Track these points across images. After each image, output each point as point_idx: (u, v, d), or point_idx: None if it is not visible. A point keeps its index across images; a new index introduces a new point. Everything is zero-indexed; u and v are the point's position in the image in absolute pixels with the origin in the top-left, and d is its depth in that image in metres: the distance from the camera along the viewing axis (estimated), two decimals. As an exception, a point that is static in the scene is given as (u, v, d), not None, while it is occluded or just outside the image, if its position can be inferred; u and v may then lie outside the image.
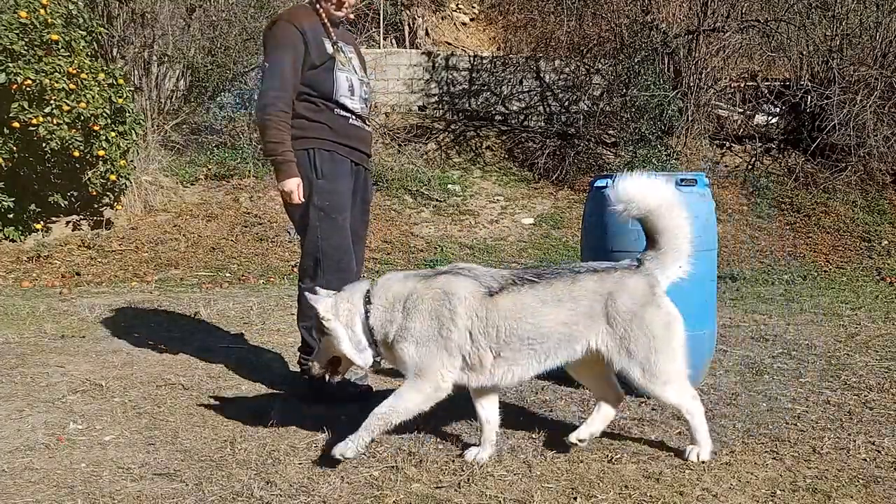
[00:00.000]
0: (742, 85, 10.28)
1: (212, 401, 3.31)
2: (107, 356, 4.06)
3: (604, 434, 2.88)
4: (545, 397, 3.34)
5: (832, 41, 9.33)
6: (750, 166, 9.41)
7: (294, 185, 3.17)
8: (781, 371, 3.79)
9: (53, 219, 7.22)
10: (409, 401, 2.50)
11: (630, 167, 8.66)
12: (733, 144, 9.81)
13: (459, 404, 3.24)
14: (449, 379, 2.50)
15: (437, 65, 10.66)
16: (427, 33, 12.08)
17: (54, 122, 6.38)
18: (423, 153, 9.75)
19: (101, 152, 6.74)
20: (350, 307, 2.59)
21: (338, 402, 3.18)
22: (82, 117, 6.51)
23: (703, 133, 9.59)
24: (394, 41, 11.85)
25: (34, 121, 6.31)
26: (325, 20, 3.28)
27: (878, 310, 5.46)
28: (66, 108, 6.40)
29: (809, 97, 9.37)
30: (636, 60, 9.26)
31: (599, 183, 3.42)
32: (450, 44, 12.02)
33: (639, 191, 2.50)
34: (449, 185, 8.99)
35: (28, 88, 6.27)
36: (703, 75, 9.33)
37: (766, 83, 10.00)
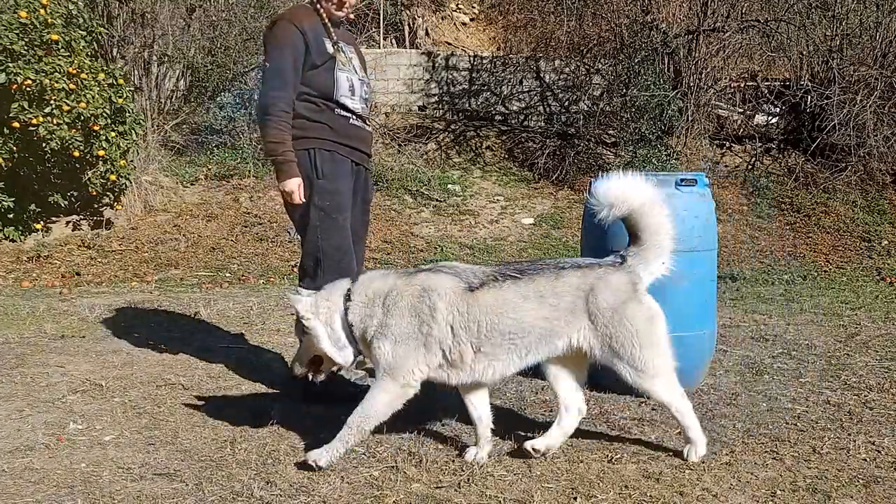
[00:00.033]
0: (742, 85, 10.28)
1: (212, 401, 3.31)
2: (107, 356, 4.06)
3: (604, 434, 2.88)
4: (545, 397, 3.34)
5: (832, 41, 9.33)
6: (750, 166, 9.41)
7: (295, 186, 3.17)
8: (781, 371, 3.79)
9: (53, 219, 7.22)
10: (378, 402, 2.50)
11: (630, 167, 8.67)
12: (733, 144, 9.81)
13: (459, 404, 3.24)
14: (419, 377, 2.50)
15: (437, 65, 10.66)
16: (427, 33, 12.08)
17: (54, 122, 6.38)
18: (423, 153, 9.74)
19: (101, 152, 6.73)
20: (329, 305, 2.60)
21: (338, 403, 3.17)
22: (82, 117, 6.50)
23: (703, 133, 9.59)
24: (394, 41, 11.85)
25: (34, 121, 6.31)
26: (326, 20, 3.28)
27: (878, 310, 5.46)
28: (66, 108, 6.40)
29: (809, 97, 9.37)
30: (636, 60, 9.25)
31: (599, 183, 3.42)
32: (450, 44, 12.02)
33: (621, 191, 2.51)
34: (449, 185, 8.99)
35: (28, 88, 6.26)
36: (703, 75, 9.33)
37: (766, 83, 10.00)
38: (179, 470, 2.53)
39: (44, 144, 6.43)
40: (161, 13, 8.52)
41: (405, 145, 9.75)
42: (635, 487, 2.37)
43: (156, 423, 3.02)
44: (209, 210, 7.89)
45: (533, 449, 2.57)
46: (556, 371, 2.66)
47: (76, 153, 6.59)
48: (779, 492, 2.34)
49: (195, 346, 4.29)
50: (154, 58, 8.65)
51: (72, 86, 6.41)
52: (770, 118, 10.12)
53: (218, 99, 8.98)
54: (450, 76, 10.68)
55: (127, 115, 7.01)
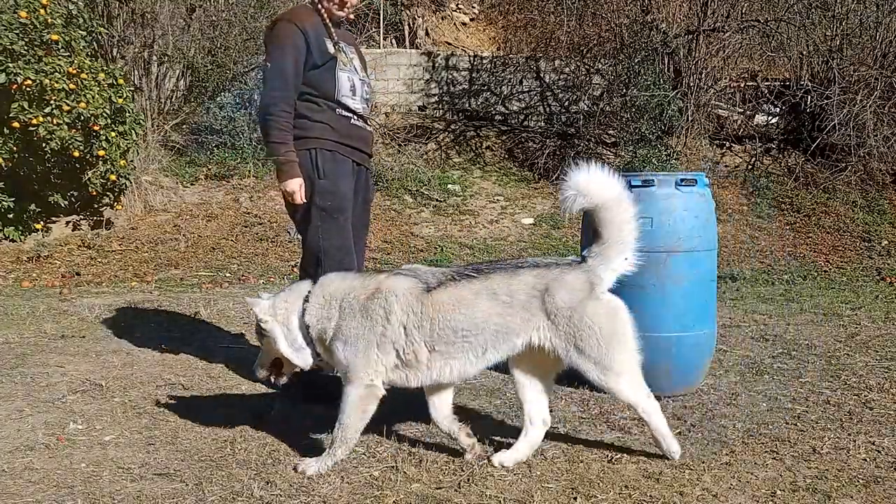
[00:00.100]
0: (742, 85, 10.28)
1: (212, 401, 3.31)
2: (107, 356, 4.06)
3: (604, 434, 2.88)
4: (545, 397, 3.33)
5: (832, 41, 9.33)
6: (750, 166, 9.41)
7: (296, 186, 3.18)
8: (781, 371, 3.79)
9: (53, 219, 7.22)
10: (350, 409, 2.50)
11: (630, 167, 8.68)
12: (733, 144, 9.81)
13: (460, 404, 3.23)
14: (378, 377, 2.50)
15: (437, 65, 10.66)
16: (427, 33, 12.08)
17: (54, 122, 6.38)
18: (423, 153, 9.75)
19: (101, 152, 6.73)
20: (287, 306, 2.61)
21: (337, 403, 3.17)
22: (82, 117, 6.51)
23: (703, 133, 9.59)
24: (394, 41, 11.85)
25: (34, 121, 6.31)
26: (327, 20, 3.29)
27: (878, 310, 5.46)
28: (66, 108, 6.40)
29: (809, 97, 9.37)
30: (636, 60, 9.25)
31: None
32: (450, 44, 12.02)
33: (590, 183, 2.50)
34: (449, 185, 8.99)
35: (28, 88, 6.27)
36: (703, 75, 9.33)
37: (766, 83, 10.00)
38: (179, 470, 2.53)
39: (44, 144, 6.43)
40: (161, 13, 8.52)
41: (405, 145, 9.75)
42: (635, 487, 2.37)
43: (156, 423, 3.02)
44: (209, 210, 7.89)
45: (500, 464, 2.55)
46: (523, 380, 2.65)
47: (76, 153, 6.60)
48: (779, 492, 2.34)
49: (195, 346, 4.29)
50: (154, 58, 8.65)
51: (72, 86, 6.41)
52: (770, 118, 10.12)
53: (218, 99, 8.97)
54: (450, 76, 10.68)
55: (127, 115, 7.01)
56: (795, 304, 5.73)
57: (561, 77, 10.45)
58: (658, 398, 3.26)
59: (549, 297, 2.48)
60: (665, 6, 9.66)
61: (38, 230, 7.05)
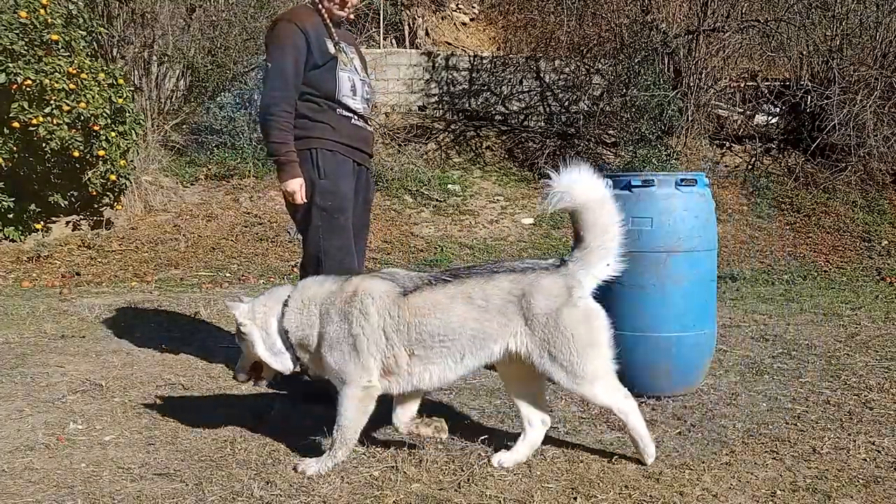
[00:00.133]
0: (742, 85, 10.29)
1: (212, 401, 3.31)
2: (107, 356, 4.06)
3: (604, 434, 2.88)
4: (546, 397, 3.33)
5: (832, 41, 9.34)
6: (750, 166, 9.41)
7: (297, 186, 3.18)
8: (781, 371, 3.79)
9: (53, 219, 7.22)
10: (349, 410, 2.48)
11: (630, 167, 8.68)
12: (733, 144, 9.81)
13: (459, 405, 3.24)
14: (372, 376, 2.48)
15: (437, 65, 10.66)
16: (427, 33, 12.08)
17: (54, 122, 6.38)
18: (423, 153, 9.75)
19: (101, 152, 6.74)
20: (266, 310, 2.60)
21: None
22: (82, 117, 6.51)
23: (703, 133, 9.59)
24: (394, 41, 11.85)
25: (34, 121, 6.31)
26: (327, 20, 3.29)
27: (878, 310, 5.46)
28: (66, 108, 6.40)
29: (809, 97, 9.38)
30: (636, 60, 9.26)
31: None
32: (450, 44, 12.02)
33: (575, 183, 2.46)
34: (449, 185, 8.99)
35: (28, 88, 6.27)
36: (703, 75, 9.33)
37: (766, 83, 10.00)
38: (179, 470, 2.53)
39: (44, 144, 6.43)
40: (161, 13, 8.52)
41: (405, 145, 9.76)
42: (635, 487, 2.37)
43: (156, 423, 3.02)
44: (209, 210, 7.89)
45: (500, 464, 2.55)
46: (514, 384, 2.65)
47: (76, 153, 6.60)
48: (779, 492, 2.34)
49: (195, 346, 4.29)
50: (154, 58, 8.65)
51: (72, 86, 6.42)
52: (770, 118, 10.13)
53: (218, 99, 8.98)
54: (450, 76, 10.68)
55: (127, 115, 7.01)
56: (795, 304, 5.73)
57: (561, 77, 10.45)
58: (658, 398, 3.28)
59: (525, 302, 2.44)
60: (665, 6, 9.67)
61: (38, 230, 7.05)
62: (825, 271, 7.26)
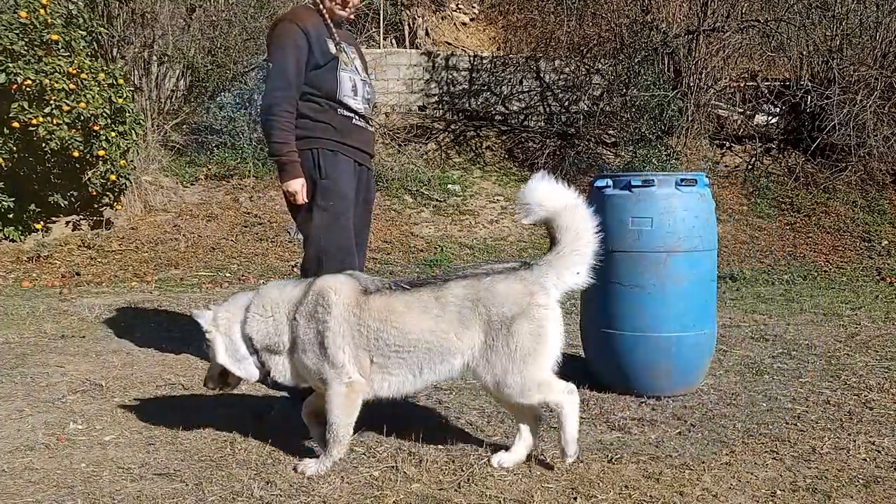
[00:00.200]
0: (742, 85, 10.29)
1: (212, 401, 3.31)
2: (107, 356, 4.06)
3: (604, 434, 2.88)
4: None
5: (832, 41, 9.34)
6: (750, 166, 9.42)
7: (298, 186, 3.18)
8: (781, 371, 3.79)
9: (53, 219, 7.22)
10: (336, 408, 2.46)
11: (630, 167, 8.68)
12: (733, 144, 9.81)
13: (459, 405, 3.24)
14: (351, 372, 2.43)
15: (437, 65, 10.66)
16: (427, 33, 12.08)
17: (54, 122, 6.38)
18: (423, 153, 9.75)
19: (101, 152, 6.74)
20: (229, 316, 2.58)
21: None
22: (82, 117, 6.51)
23: (703, 133, 9.60)
24: (394, 41, 11.85)
25: (34, 121, 6.31)
26: (328, 20, 3.29)
27: (878, 310, 5.46)
28: (66, 108, 6.40)
29: (809, 97, 9.38)
30: (636, 60, 9.26)
31: (599, 183, 3.42)
32: (450, 44, 12.02)
33: (545, 196, 2.40)
34: (449, 185, 8.99)
35: (28, 88, 6.27)
36: (703, 75, 9.33)
37: (766, 83, 10.01)
38: (179, 470, 2.53)
39: (44, 144, 6.43)
40: (161, 13, 8.52)
41: (405, 145, 9.76)
42: (635, 487, 2.37)
43: (156, 423, 3.02)
44: (209, 210, 7.89)
45: (499, 465, 2.54)
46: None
47: (76, 153, 6.60)
48: (779, 492, 2.34)
49: (195, 346, 4.28)
50: (154, 58, 8.65)
51: (72, 86, 6.42)
52: (770, 118, 10.13)
53: (218, 99, 8.98)
54: (450, 76, 10.68)
55: (127, 115, 7.01)
56: (795, 304, 5.73)
57: (561, 77, 10.45)
58: (658, 398, 3.29)
59: (483, 308, 2.36)
60: (665, 6, 9.67)
61: (38, 230, 7.05)
62: (825, 271, 7.27)
